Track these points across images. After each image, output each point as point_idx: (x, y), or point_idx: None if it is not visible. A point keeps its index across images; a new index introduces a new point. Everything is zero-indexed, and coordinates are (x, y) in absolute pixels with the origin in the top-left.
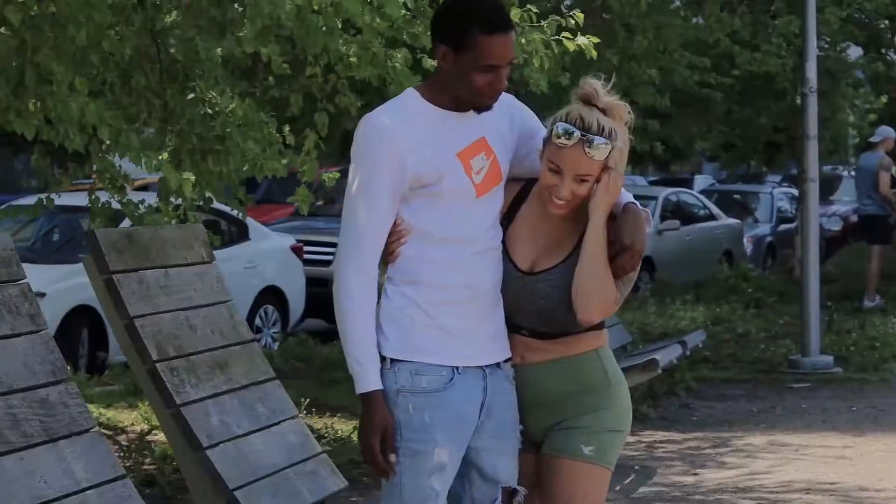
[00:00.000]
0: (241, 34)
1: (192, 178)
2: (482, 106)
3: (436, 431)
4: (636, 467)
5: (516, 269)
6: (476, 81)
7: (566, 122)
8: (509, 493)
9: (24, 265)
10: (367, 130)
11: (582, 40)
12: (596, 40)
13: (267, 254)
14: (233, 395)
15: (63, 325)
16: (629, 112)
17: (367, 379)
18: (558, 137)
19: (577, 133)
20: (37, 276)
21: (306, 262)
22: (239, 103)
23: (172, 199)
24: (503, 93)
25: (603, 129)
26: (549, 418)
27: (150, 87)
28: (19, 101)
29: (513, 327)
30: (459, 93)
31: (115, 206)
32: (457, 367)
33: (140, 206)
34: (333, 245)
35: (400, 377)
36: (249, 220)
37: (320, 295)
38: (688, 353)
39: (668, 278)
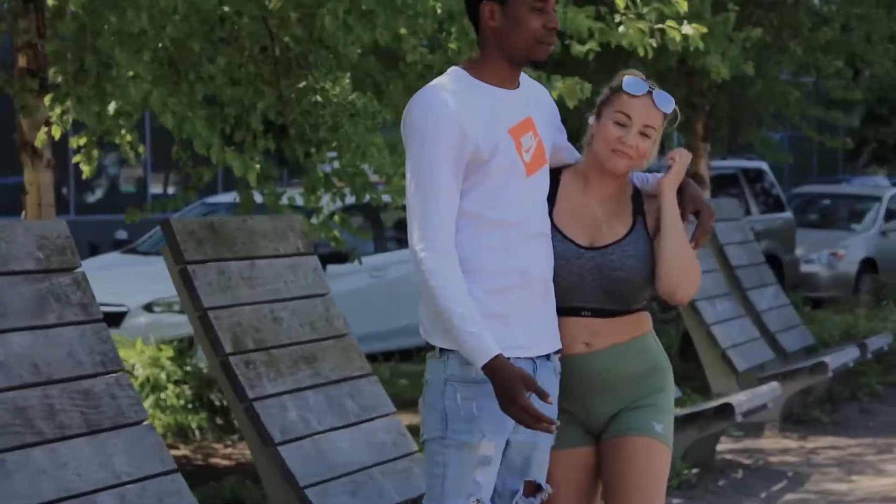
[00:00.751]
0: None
1: (257, 167)
2: (540, 54)
3: (483, 423)
4: (789, 473)
5: (578, 246)
6: (531, 24)
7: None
8: (534, 488)
9: None
10: (422, 105)
11: (687, 29)
12: (703, 30)
13: None
14: (318, 390)
15: None
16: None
17: (485, 346)
18: (629, 87)
19: (647, 85)
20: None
21: None
22: (358, 95)
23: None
24: (537, 84)
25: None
26: (617, 403)
27: (262, 75)
28: (80, 87)
29: (571, 311)
30: (516, 44)
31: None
32: (508, 358)
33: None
34: None
35: (450, 366)
36: None
37: None
38: (869, 356)
39: (891, 280)
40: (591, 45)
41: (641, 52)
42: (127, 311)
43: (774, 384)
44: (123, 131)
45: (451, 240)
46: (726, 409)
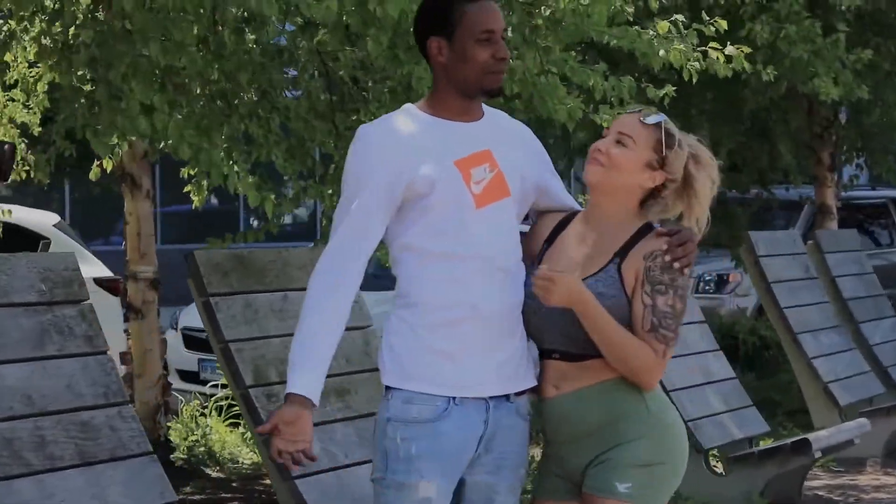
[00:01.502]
0: None
1: (273, 196)
2: (493, 85)
3: (422, 464)
4: None
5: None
6: (479, 56)
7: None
8: None
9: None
10: (357, 143)
11: (731, 50)
12: (747, 50)
13: None
14: (348, 423)
15: None
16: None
17: (292, 379)
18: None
19: (640, 108)
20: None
21: None
22: None
23: None
24: (522, 124)
25: (671, 129)
26: (588, 453)
27: (316, 108)
28: (94, 119)
29: (545, 353)
30: (466, 77)
31: None
32: (453, 398)
33: None
34: None
35: (392, 405)
36: None
37: None
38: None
39: None
40: (668, 89)
41: (686, 77)
42: None
43: (863, 420)
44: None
45: (346, 278)
46: (803, 446)
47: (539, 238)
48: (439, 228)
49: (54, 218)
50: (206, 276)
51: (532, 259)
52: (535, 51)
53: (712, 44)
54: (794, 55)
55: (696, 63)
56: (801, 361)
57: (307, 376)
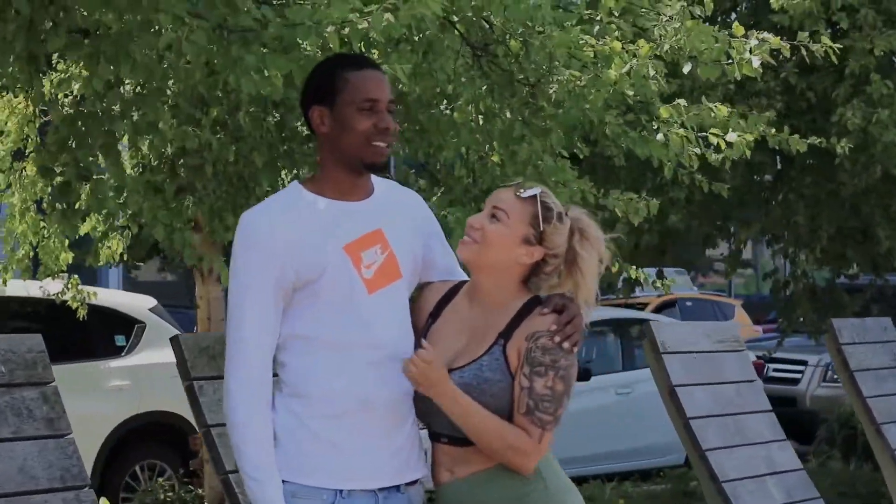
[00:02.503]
0: None
1: None
2: (375, 158)
3: None
4: None
5: None
6: (360, 125)
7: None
8: None
9: None
10: (243, 229)
11: (732, 137)
12: (749, 137)
13: None
14: None
15: None
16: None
17: (265, 497)
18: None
19: (518, 181)
20: None
21: (769, 381)
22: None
23: None
24: (411, 192)
25: (548, 201)
26: None
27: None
28: (64, 199)
29: (434, 436)
30: (347, 148)
31: None
32: (340, 490)
33: None
34: (799, 362)
35: None
36: None
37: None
38: None
39: None
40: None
41: (688, 163)
42: None
43: None
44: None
45: (263, 370)
46: None
47: (423, 312)
48: (329, 317)
49: (151, 302)
50: (189, 360)
51: (417, 335)
52: (541, 135)
53: (713, 130)
54: (886, 140)
55: (696, 150)
56: (885, 454)
57: (275, 488)
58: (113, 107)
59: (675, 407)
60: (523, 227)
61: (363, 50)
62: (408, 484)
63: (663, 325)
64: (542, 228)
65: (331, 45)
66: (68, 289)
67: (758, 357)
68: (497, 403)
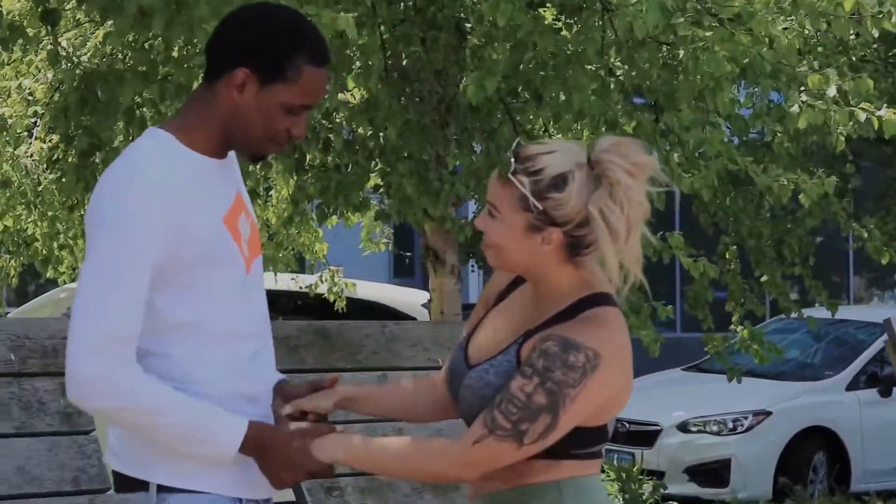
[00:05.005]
0: None
1: None
2: (265, 153)
3: None
4: None
5: (466, 362)
6: (277, 123)
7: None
8: None
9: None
10: (124, 185)
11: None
12: None
13: None
14: None
15: (792, 446)
16: (628, 173)
17: (224, 433)
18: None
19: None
20: (763, 392)
21: None
22: None
23: None
24: None
25: (537, 169)
26: None
27: None
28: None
29: None
30: (249, 131)
31: None
32: (241, 499)
33: None
34: None
35: None
36: None
37: None
38: None
39: None
40: None
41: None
42: (661, 430)
43: None
44: None
45: (134, 349)
46: None
47: (489, 298)
48: (219, 300)
49: (424, 297)
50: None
51: (478, 316)
52: None
53: (864, 104)
54: None
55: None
56: None
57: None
58: (140, 66)
59: None
60: (518, 217)
61: None
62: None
63: None
64: (540, 208)
65: None
66: (323, 281)
67: None
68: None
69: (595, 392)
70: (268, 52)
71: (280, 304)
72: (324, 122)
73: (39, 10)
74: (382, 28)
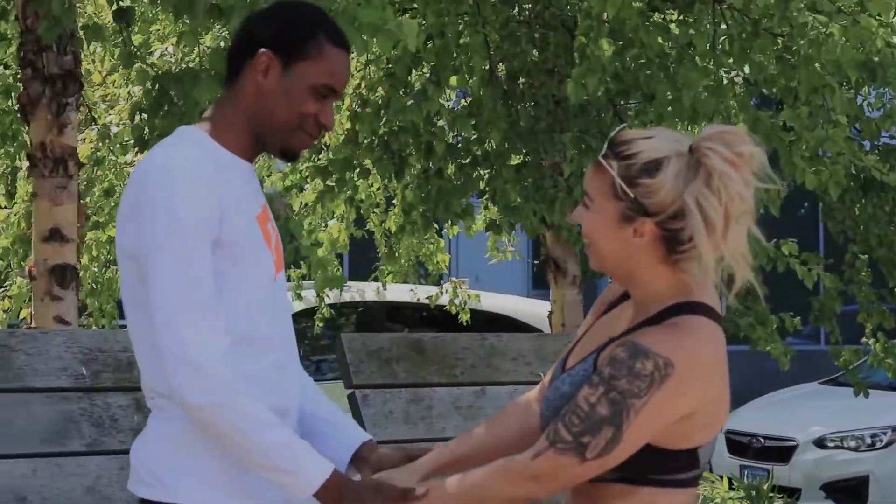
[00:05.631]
0: None
1: None
2: (297, 145)
3: None
4: None
5: (563, 368)
6: (307, 106)
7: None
8: None
9: None
10: (164, 174)
11: None
12: None
13: None
14: None
15: None
16: (728, 162)
17: (309, 471)
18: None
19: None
20: None
21: None
22: None
23: None
24: None
25: (631, 154)
26: None
27: None
28: None
29: None
30: (276, 117)
31: None
32: None
33: None
34: None
35: None
36: None
37: None
38: None
39: None
40: None
41: None
42: (797, 446)
43: None
44: None
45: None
46: None
47: (608, 298)
48: (249, 302)
49: (548, 307)
50: (353, 364)
51: (586, 326)
52: None
53: None
54: None
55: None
56: None
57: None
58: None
59: None
60: (609, 205)
61: None
62: None
63: None
64: (630, 195)
65: None
66: (444, 292)
67: None
68: None
69: (666, 405)
70: (288, 33)
71: (403, 315)
72: (426, 127)
73: (113, 8)
74: (487, 28)
